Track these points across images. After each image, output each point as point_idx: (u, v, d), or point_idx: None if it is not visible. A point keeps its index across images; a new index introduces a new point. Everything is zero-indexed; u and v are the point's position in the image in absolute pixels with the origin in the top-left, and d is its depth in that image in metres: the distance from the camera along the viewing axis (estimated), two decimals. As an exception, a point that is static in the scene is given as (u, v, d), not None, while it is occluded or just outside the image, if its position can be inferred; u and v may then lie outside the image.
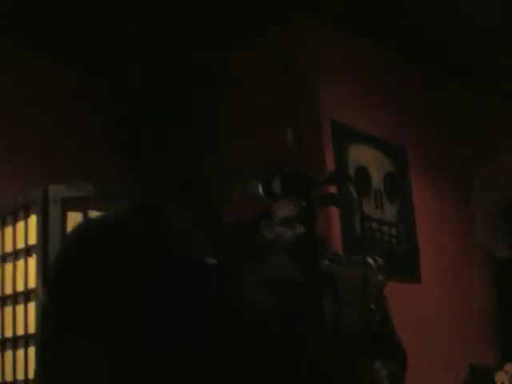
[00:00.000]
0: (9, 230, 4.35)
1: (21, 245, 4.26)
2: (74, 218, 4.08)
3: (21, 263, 4.25)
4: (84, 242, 1.64)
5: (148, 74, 1.78)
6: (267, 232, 3.14)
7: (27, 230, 4.23)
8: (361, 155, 5.30)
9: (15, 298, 4.26)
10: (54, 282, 1.66)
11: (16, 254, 4.29)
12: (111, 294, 1.58)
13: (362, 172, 5.27)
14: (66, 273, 1.63)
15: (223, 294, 1.70)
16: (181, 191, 1.73)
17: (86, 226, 1.79)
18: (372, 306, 2.93)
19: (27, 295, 4.18)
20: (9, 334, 4.25)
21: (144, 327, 1.57)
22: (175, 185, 1.73)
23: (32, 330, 4.08)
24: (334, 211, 4.77)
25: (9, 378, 4.21)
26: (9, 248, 4.33)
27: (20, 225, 4.28)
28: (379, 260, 3.03)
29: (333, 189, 3.31)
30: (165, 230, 1.71)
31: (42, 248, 4.07)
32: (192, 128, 1.71)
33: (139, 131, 1.73)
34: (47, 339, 1.64)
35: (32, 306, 4.11)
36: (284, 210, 3.03)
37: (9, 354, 4.24)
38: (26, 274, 4.20)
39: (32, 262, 4.16)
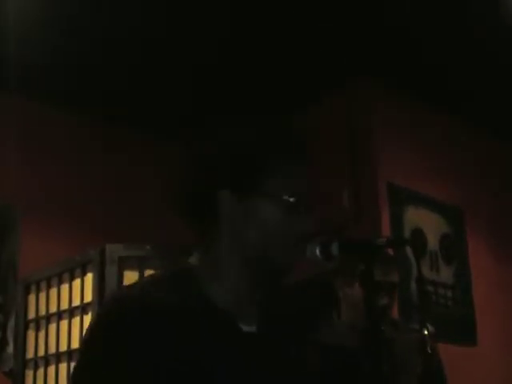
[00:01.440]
0: (65, 288, 4.40)
1: (77, 302, 4.29)
2: (130, 277, 4.11)
3: (76, 320, 4.29)
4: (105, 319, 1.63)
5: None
6: (337, 289, 3.14)
7: (83, 288, 4.27)
8: (417, 217, 5.27)
9: (70, 355, 4.28)
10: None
11: (72, 312, 4.33)
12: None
13: (418, 234, 5.23)
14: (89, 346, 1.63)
15: (262, 362, 1.66)
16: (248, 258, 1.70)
17: (113, 300, 1.71)
18: (427, 371, 2.92)
19: (82, 353, 4.19)
20: (63, 391, 4.27)
21: None
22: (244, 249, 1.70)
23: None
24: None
25: None
26: (65, 305, 4.38)
27: (76, 282, 4.33)
28: (431, 328, 3.02)
29: (389, 251, 3.30)
30: (197, 297, 1.66)
31: (97, 306, 4.09)
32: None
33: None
34: None
35: (87, 363, 4.13)
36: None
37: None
38: (81, 331, 4.22)
39: (87, 319, 4.18)
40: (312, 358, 1.84)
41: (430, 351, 2.93)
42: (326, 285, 3.16)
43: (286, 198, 1.67)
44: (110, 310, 1.64)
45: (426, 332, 2.97)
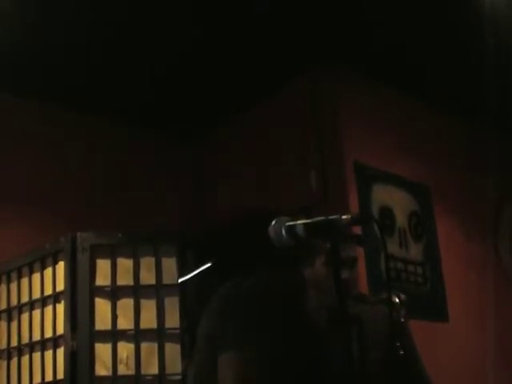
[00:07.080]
0: (37, 277, 4.39)
1: (49, 291, 4.29)
2: (102, 265, 4.12)
3: (49, 309, 4.29)
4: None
5: None
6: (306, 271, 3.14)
7: (55, 277, 4.26)
8: (385, 195, 5.30)
9: (44, 344, 4.28)
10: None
11: (44, 301, 4.32)
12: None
13: (386, 211, 5.26)
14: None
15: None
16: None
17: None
18: (397, 343, 2.92)
19: (56, 341, 4.20)
20: (38, 380, 4.26)
21: None
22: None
23: (61, 375, 4.10)
24: (360, 251, 4.77)
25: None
26: (37, 294, 4.37)
27: (48, 271, 4.33)
28: (402, 296, 3.01)
29: (357, 229, 3.32)
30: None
31: (70, 294, 4.10)
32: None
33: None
34: None
35: (61, 352, 4.13)
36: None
37: (37, 400, 4.26)
38: (55, 320, 4.23)
39: (60, 308, 4.19)
40: None
41: (402, 320, 2.94)
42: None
43: None
44: None
45: (397, 300, 2.98)
